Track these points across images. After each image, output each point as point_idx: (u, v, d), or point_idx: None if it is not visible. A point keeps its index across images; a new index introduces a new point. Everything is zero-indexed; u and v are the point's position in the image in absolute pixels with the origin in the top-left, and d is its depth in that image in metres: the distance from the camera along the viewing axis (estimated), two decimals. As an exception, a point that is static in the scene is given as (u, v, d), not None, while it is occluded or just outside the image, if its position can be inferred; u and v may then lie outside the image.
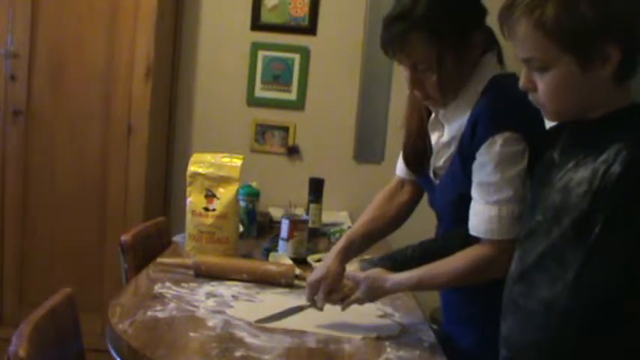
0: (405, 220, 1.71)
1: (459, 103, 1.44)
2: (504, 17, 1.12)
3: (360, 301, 1.48)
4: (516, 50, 1.13)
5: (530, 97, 1.16)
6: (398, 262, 1.59)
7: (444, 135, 1.49)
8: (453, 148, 1.45)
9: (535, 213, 1.18)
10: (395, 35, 1.40)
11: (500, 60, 1.49)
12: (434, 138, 1.52)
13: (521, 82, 1.15)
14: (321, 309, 1.51)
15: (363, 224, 1.68)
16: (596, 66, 1.07)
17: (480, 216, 1.36)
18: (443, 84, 1.41)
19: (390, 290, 1.45)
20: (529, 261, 1.16)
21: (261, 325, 1.46)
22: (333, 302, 1.51)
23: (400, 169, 1.69)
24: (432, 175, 1.54)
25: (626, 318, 1.04)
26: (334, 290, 1.51)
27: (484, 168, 1.35)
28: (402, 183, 1.71)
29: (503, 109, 1.35)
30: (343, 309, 1.50)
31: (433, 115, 1.52)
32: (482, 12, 1.45)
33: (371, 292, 1.45)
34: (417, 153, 1.58)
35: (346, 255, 1.60)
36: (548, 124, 1.30)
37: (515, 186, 1.32)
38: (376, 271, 1.47)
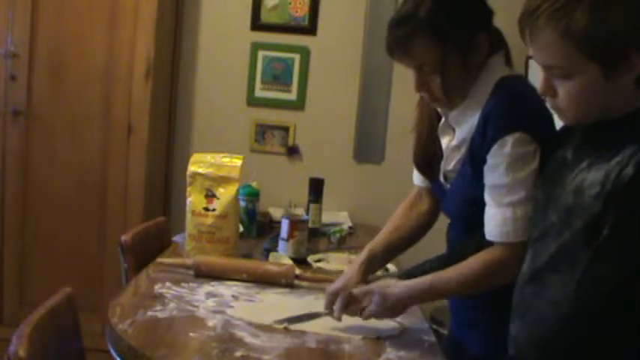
0: (428, 230, 1.69)
1: (467, 105, 1.44)
2: (526, 23, 1.10)
3: (376, 313, 1.44)
4: (536, 56, 1.11)
5: (549, 102, 1.15)
6: (417, 276, 1.57)
7: (455, 137, 1.48)
8: (463, 151, 1.45)
9: (547, 213, 1.17)
10: (399, 38, 1.40)
11: (509, 61, 1.48)
12: (444, 142, 1.52)
13: (541, 88, 1.14)
14: (338, 319, 1.48)
15: (385, 235, 1.67)
16: (620, 74, 1.05)
17: (495, 219, 1.34)
18: (448, 86, 1.41)
19: (401, 295, 1.41)
20: (540, 262, 1.15)
21: (262, 325, 1.46)
22: (352, 313, 1.48)
23: (417, 178, 1.69)
24: (442, 179, 1.54)
25: (629, 320, 1.04)
26: (353, 301, 1.48)
27: (495, 170, 1.34)
28: (420, 193, 1.70)
29: (513, 110, 1.34)
30: (364, 319, 1.47)
31: (443, 119, 1.52)
32: (488, 13, 1.44)
33: (383, 300, 1.42)
34: (428, 157, 1.57)
35: (368, 266, 1.60)
36: (559, 123, 1.29)
37: (527, 187, 1.31)
38: (387, 280, 1.47)
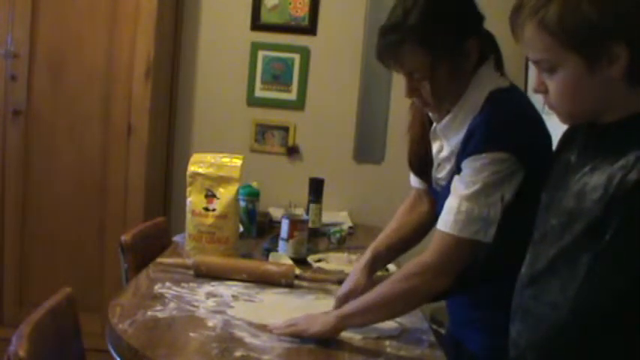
0: (430, 229, 1.69)
1: (455, 117, 1.44)
2: (513, 20, 1.12)
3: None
4: (526, 52, 1.13)
5: (544, 100, 1.15)
6: None
7: (443, 149, 1.49)
8: (452, 163, 1.45)
9: (549, 216, 1.16)
10: (388, 46, 1.41)
11: (500, 66, 1.48)
12: (435, 148, 1.52)
13: (534, 85, 1.15)
14: None
15: (387, 236, 1.68)
16: (602, 66, 1.05)
17: (445, 208, 1.36)
18: (438, 92, 1.41)
19: (334, 319, 1.40)
20: (540, 265, 1.15)
21: (262, 325, 1.46)
22: None
23: (414, 180, 1.69)
24: (434, 184, 1.54)
25: (630, 324, 1.03)
26: None
27: (464, 174, 1.35)
28: (419, 194, 1.70)
29: (496, 128, 1.34)
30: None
31: (435, 124, 1.52)
32: (478, 19, 1.44)
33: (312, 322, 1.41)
34: (421, 160, 1.58)
35: (373, 267, 1.61)
36: (556, 133, 1.29)
37: (485, 189, 1.31)
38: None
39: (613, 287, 1.03)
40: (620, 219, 1.01)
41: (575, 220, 1.08)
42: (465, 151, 1.36)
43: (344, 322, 1.40)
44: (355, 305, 1.42)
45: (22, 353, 1.12)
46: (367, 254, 1.63)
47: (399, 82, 2.95)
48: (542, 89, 1.13)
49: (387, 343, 1.43)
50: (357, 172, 3.13)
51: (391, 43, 1.40)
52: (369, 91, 3.07)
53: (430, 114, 1.52)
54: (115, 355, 1.35)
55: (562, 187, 1.15)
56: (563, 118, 1.16)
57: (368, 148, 3.11)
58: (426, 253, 1.37)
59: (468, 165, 1.34)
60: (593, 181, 1.07)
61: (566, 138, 1.26)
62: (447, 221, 1.34)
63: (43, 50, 2.74)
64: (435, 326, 2.35)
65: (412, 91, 1.44)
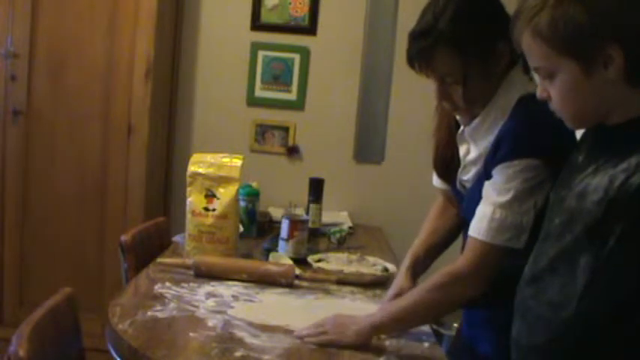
0: (461, 231, 1.69)
1: (483, 120, 1.44)
2: (512, 30, 1.13)
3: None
4: (527, 60, 1.14)
5: (550, 106, 1.16)
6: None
7: (471, 152, 1.49)
8: (479, 167, 1.45)
9: (553, 215, 1.17)
10: (419, 51, 1.40)
11: (529, 70, 1.48)
12: (462, 150, 1.52)
13: (538, 93, 1.15)
14: None
15: (424, 239, 1.69)
16: (598, 69, 1.05)
17: (476, 215, 1.36)
18: (470, 95, 1.41)
19: (369, 329, 1.40)
20: (541, 264, 1.15)
21: (262, 325, 1.46)
22: None
23: (437, 181, 1.70)
24: (458, 186, 1.54)
25: (631, 326, 1.03)
26: None
27: (496, 181, 1.35)
28: (446, 195, 1.70)
29: (526, 136, 1.34)
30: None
31: (462, 127, 1.52)
32: (507, 21, 1.44)
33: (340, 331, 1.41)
34: (446, 163, 1.58)
35: (415, 271, 1.62)
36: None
37: (518, 197, 1.31)
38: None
39: (617, 291, 1.03)
40: (624, 222, 1.01)
41: (576, 221, 1.08)
42: (495, 157, 1.36)
43: (378, 333, 1.42)
44: (388, 314, 1.42)
45: (22, 353, 1.12)
46: (407, 259, 1.65)
47: (399, 82, 2.97)
48: (546, 95, 1.13)
49: (387, 342, 1.43)
50: (357, 172, 3.13)
51: (423, 48, 1.39)
52: (369, 91, 3.07)
53: (458, 117, 1.52)
54: (115, 355, 1.35)
55: (567, 186, 1.15)
56: (569, 122, 1.17)
57: (368, 148, 3.11)
58: (458, 261, 1.37)
59: (499, 172, 1.34)
60: (595, 182, 1.07)
61: (580, 140, 1.26)
62: (480, 228, 1.34)
63: (43, 50, 2.74)
64: (435, 326, 2.35)
65: (443, 95, 1.44)
